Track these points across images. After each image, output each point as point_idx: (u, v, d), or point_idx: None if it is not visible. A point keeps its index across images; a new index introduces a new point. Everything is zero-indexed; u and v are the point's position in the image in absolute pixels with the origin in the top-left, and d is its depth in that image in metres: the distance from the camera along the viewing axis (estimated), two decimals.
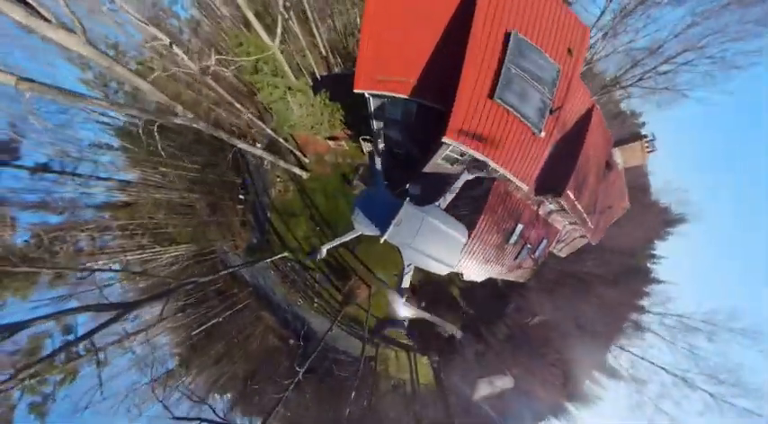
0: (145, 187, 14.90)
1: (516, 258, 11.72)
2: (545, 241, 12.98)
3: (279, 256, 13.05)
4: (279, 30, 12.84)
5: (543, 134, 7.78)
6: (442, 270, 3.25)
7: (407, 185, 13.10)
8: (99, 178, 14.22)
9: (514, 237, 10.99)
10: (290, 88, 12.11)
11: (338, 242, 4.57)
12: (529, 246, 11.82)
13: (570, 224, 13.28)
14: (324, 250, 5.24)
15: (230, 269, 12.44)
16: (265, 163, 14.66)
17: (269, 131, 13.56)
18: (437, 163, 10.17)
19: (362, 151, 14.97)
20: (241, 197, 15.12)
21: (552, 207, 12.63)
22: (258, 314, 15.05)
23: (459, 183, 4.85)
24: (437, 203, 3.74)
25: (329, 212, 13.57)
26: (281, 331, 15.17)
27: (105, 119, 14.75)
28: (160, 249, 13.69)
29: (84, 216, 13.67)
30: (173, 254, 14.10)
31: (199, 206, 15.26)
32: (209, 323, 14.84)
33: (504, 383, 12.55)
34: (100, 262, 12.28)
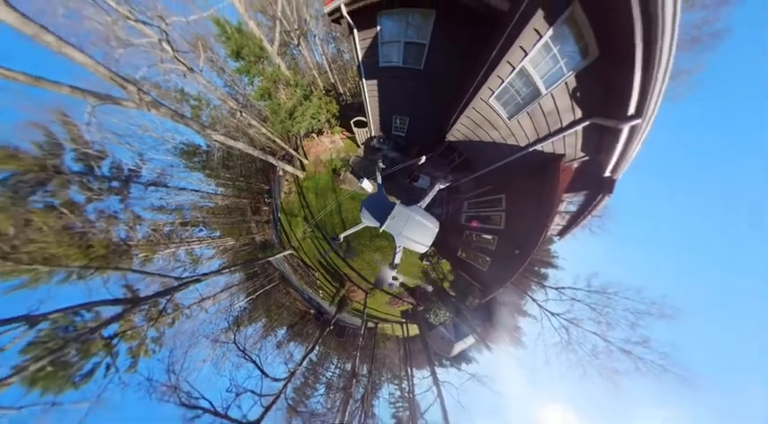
0: (214, 195, 20.92)
1: None
2: None
3: (285, 253, 16.59)
4: (276, 35, 13.92)
5: None
6: (421, 249, 4.67)
7: (418, 177, 12.92)
8: (185, 189, 20.85)
9: None
10: (280, 79, 11.61)
11: (352, 231, 6.17)
12: None
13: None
14: (341, 236, 6.83)
15: (255, 261, 16.90)
16: (279, 170, 17.94)
17: (282, 144, 16.41)
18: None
19: (357, 144, 15.02)
20: (267, 200, 19.27)
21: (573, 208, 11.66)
22: (287, 290, 19.80)
23: (432, 193, 5.71)
24: (419, 204, 5.15)
25: (318, 211, 15.32)
26: (304, 304, 19.63)
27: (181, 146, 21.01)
28: (222, 240, 19.54)
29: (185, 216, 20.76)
30: (228, 244, 19.92)
31: (247, 209, 20.45)
32: (261, 291, 20.63)
33: (471, 340, 16.50)
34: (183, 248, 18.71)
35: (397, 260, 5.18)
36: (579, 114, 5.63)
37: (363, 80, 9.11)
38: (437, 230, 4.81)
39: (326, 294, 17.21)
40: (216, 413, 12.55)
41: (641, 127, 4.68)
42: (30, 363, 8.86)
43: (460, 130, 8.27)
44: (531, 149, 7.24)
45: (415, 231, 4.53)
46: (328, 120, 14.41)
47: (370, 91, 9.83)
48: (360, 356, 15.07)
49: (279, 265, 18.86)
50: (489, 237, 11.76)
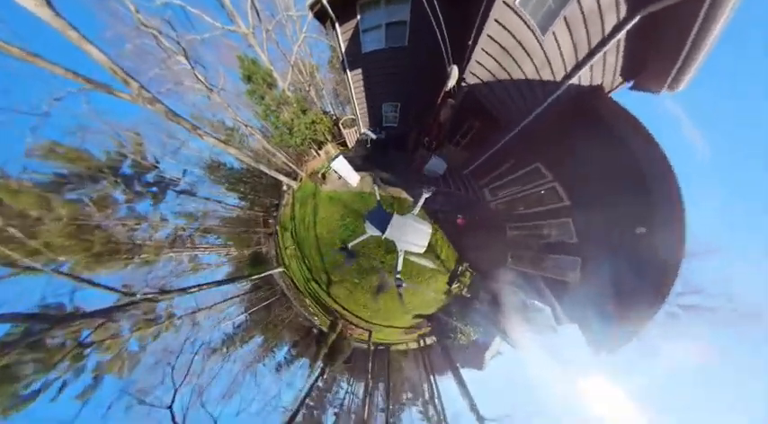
0: (232, 207, 21.78)
1: None
2: None
3: (277, 270, 15.64)
4: (288, 76, 15.15)
5: None
6: (419, 250, 5.16)
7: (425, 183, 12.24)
8: (209, 199, 22.05)
9: None
10: (284, 103, 12.48)
11: (358, 241, 6.60)
12: None
13: None
14: (350, 245, 7.30)
15: (246, 277, 16.38)
16: (283, 184, 17.61)
17: (291, 164, 16.19)
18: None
19: (348, 147, 15.01)
20: (274, 213, 19.11)
21: None
22: (288, 305, 18.91)
23: (420, 202, 6.00)
24: (412, 212, 5.62)
25: (300, 222, 14.29)
26: (306, 319, 18.41)
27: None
28: (229, 249, 19.84)
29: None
30: (234, 253, 20.14)
31: (259, 221, 20.82)
32: (261, 305, 20.19)
33: (499, 341, 15.12)
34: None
35: (400, 265, 5.56)
36: (624, 10, 4.78)
37: (348, 72, 9.11)
38: (430, 231, 5.28)
39: (323, 322, 15.69)
40: None
41: None
42: None
43: (483, 63, 6.19)
44: (568, 82, 6.14)
45: (412, 234, 5.07)
46: (323, 133, 14.62)
47: (355, 82, 9.67)
48: (372, 381, 13.59)
49: (278, 280, 18.20)
50: (556, 223, 8.66)
